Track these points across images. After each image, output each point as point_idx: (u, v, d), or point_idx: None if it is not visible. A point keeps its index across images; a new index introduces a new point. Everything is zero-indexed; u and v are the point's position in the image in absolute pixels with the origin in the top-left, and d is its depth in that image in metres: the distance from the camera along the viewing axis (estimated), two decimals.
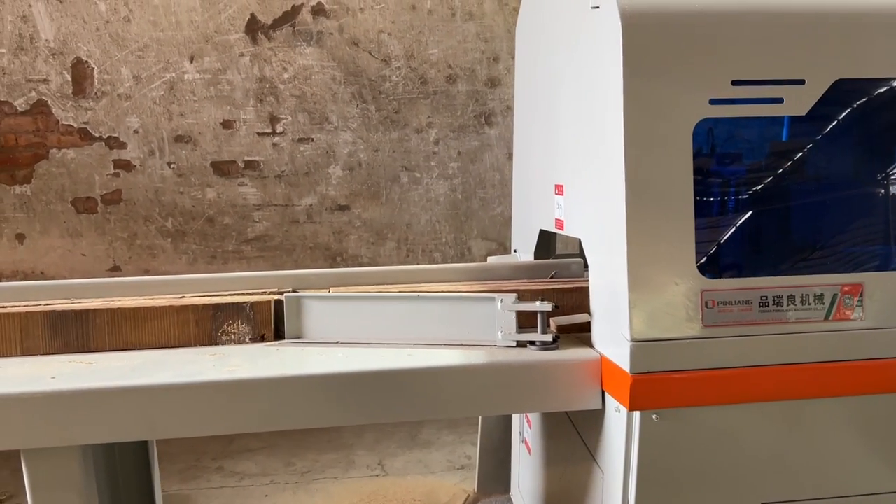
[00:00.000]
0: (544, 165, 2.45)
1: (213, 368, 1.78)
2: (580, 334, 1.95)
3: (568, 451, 2.17)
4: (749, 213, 1.78)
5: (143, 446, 2.32)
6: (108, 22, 4.59)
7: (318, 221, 4.86)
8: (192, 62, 4.66)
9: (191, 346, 1.99)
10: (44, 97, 4.59)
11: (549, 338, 1.85)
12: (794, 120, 1.74)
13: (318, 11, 4.71)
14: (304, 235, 4.86)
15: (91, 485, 1.78)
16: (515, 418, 2.94)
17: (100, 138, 4.65)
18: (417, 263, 4.87)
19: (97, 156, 4.66)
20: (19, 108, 4.58)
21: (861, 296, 1.70)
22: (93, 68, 4.61)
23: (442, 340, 1.96)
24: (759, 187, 1.80)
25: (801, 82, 1.68)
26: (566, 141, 2.16)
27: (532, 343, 1.87)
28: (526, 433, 2.75)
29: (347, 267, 4.81)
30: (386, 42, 4.78)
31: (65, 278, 4.51)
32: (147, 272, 4.68)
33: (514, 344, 1.89)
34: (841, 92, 1.71)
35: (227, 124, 4.73)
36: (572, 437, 2.09)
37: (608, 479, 1.81)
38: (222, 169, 4.76)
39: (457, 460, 3.90)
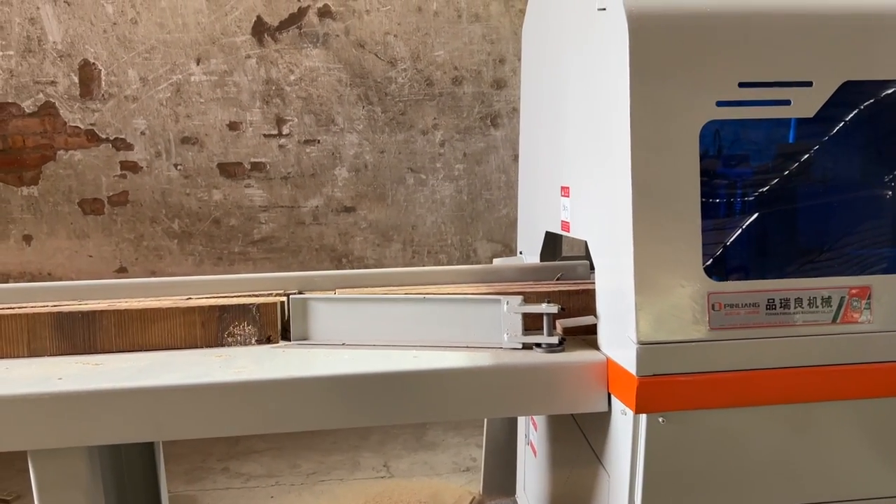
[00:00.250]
0: (550, 167, 2.45)
1: (219, 370, 1.78)
2: (586, 336, 1.94)
3: (574, 454, 2.17)
4: (756, 216, 1.77)
5: (149, 447, 2.32)
6: (115, 24, 4.60)
7: (324, 223, 4.87)
8: (198, 64, 4.67)
9: (197, 347, 1.99)
10: (51, 99, 4.61)
11: (555, 340, 1.85)
12: (802, 122, 1.73)
13: (324, 13, 4.72)
14: (309, 237, 4.86)
15: (97, 486, 1.78)
16: (521, 420, 2.94)
17: (107, 140, 4.67)
18: (423, 265, 4.88)
19: (104, 157, 4.68)
20: (27, 110, 4.60)
21: (869, 298, 1.69)
22: (100, 70, 4.62)
23: (447, 342, 1.96)
24: (766, 189, 1.79)
25: (809, 84, 1.68)
26: (572, 143, 2.16)
27: (538, 345, 1.87)
28: (531, 435, 2.75)
29: (353, 268, 4.81)
30: (392, 44, 4.78)
31: (72, 279, 4.53)
32: (153, 273, 4.70)
33: (520, 346, 1.89)
34: (849, 94, 1.71)
35: (233, 126, 4.74)
36: (578, 439, 2.09)
37: (614, 482, 1.81)
38: (228, 170, 4.77)
39: (462, 462, 3.90)
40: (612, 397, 1.78)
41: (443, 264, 4.88)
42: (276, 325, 2.04)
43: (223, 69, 4.69)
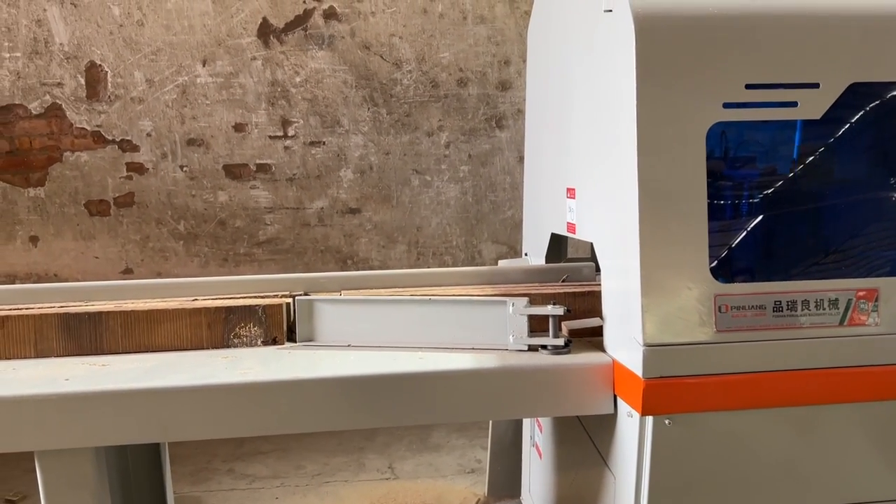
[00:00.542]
0: (556, 169, 2.45)
1: (225, 371, 1.78)
2: (592, 338, 1.94)
3: (579, 456, 2.16)
4: (762, 217, 1.77)
5: (155, 448, 2.33)
6: (121, 26, 4.62)
7: (330, 224, 4.87)
8: (204, 66, 4.68)
9: (203, 348, 1.99)
10: (58, 100, 4.63)
11: (560, 342, 1.85)
12: (809, 123, 1.73)
13: (329, 15, 4.73)
14: (315, 238, 4.87)
15: (104, 486, 1.78)
16: (526, 422, 2.93)
17: (113, 141, 4.68)
18: (428, 267, 4.88)
19: (110, 159, 4.69)
20: (34, 112, 4.62)
21: (876, 301, 1.68)
22: (106, 72, 4.64)
23: (453, 344, 1.96)
24: (772, 191, 1.79)
25: (816, 86, 1.67)
26: (578, 144, 2.15)
27: (544, 347, 1.86)
28: (537, 437, 2.74)
29: (358, 270, 4.82)
30: (397, 45, 4.79)
31: (78, 280, 4.54)
32: (159, 275, 4.71)
33: (526, 348, 1.89)
34: (856, 95, 1.70)
35: (239, 128, 4.75)
36: (584, 441, 2.09)
37: (620, 485, 1.80)
38: (234, 172, 4.78)
39: (467, 464, 3.90)
40: (619, 399, 1.78)
41: (448, 266, 4.88)
42: (281, 327, 2.04)
43: (229, 71, 4.70)
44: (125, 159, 4.70)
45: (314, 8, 4.72)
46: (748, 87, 1.65)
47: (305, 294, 2.14)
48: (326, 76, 4.77)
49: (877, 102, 1.77)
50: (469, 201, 4.95)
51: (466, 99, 4.87)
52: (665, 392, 1.62)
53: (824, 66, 1.68)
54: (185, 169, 4.74)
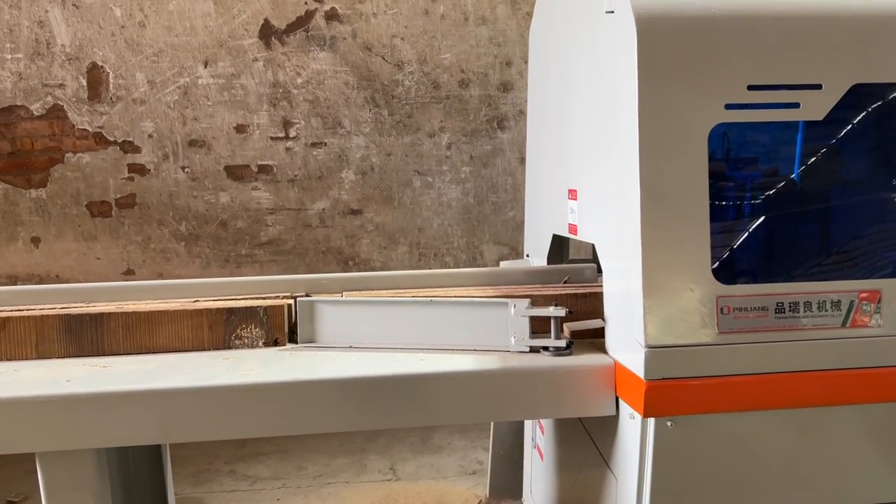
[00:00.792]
0: (557, 170, 2.45)
1: (226, 372, 1.78)
2: (594, 340, 1.94)
3: (581, 458, 2.16)
4: (765, 218, 1.76)
5: (156, 449, 2.33)
6: (123, 27, 4.62)
7: (331, 225, 4.87)
8: (206, 67, 4.69)
9: (204, 349, 1.99)
10: (60, 102, 4.63)
11: (562, 343, 1.84)
12: (811, 125, 1.72)
13: (331, 16, 4.73)
14: (316, 239, 4.87)
15: (105, 488, 1.78)
16: (528, 424, 2.93)
17: (114, 142, 4.69)
18: (429, 268, 4.87)
19: (112, 160, 4.69)
20: (35, 113, 4.62)
21: (879, 302, 1.68)
22: (108, 73, 4.64)
23: (454, 345, 1.95)
24: (774, 192, 1.78)
25: (818, 87, 1.67)
26: (580, 145, 2.15)
27: (545, 348, 1.86)
28: (538, 439, 2.74)
29: (360, 271, 4.82)
30: (399, 47, 4.79)
31: (79, 282, 4.54)
32: (161, 276, 4.71)
33: (528, 349, 1.89)
34: (858, 97, 1.70)
35: (240, 129, 4.75)
36: (585, 443, 2.08)
37: (622, 487, 1.80)
38: (236, 173, 4.78)
39: (468, 465, 3.89)
40: (620, 401, 1.77)
41: (449, 267, 4.88)
42: (283, 328, 2.04)
43: (230, 72, 4.70)
44: (127, 160, 4.70)
45: (316, 9, 4.72)
46: (750, 88, 1.65)
47: (307, 295, 2.13)
48: (328, 77, 4.77)
49: (879, 103, 1.77)
50: (471, 202, 4.95)
51: (468, 100, 4.87)
52: (667, 394, 1.62)
53: (826, 68, 1.67)
54: (186, 170, 4.74)
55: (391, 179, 4.88)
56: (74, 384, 1.71)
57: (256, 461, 4.02)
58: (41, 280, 4.68)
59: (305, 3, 4.71)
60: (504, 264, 3.01)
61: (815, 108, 1.67)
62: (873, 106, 1.77)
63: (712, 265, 1.63)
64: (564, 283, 2.33)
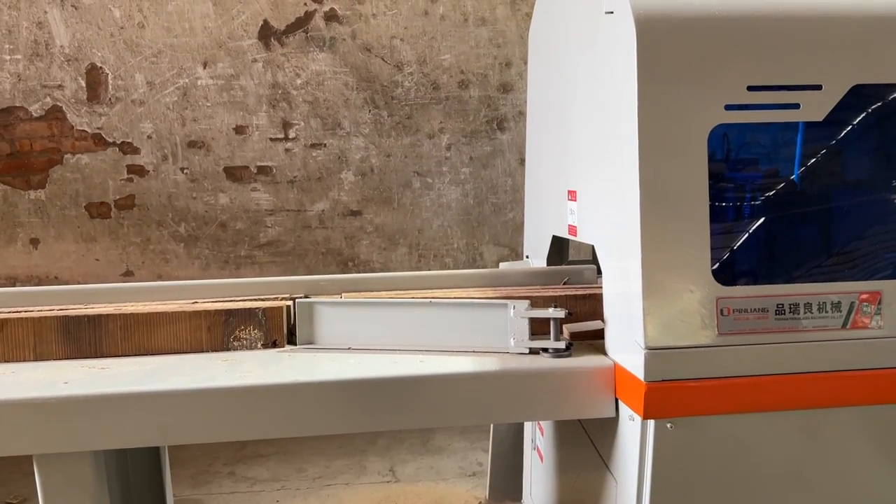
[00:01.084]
0: (557, 171, 2.44)
1: (225, 374, 1.78)
2: (593, 341, 1.94)
3: (581, 460, 2.16)
4: (765, 220, 1.76)
5: (155, 451, 2.32)
6: (122, 28, 4.62)
7: (331, 227, 4.86)
8: (205, 68, 4.68)
9: (203, 351, 1.99)
10: (58, 103, 4.63)
11: (562, 345, 1.84)
12: (811, 125, 1.72)
13: (330, 17, 4.73)
14: (316, 241, 4.86)
15: (103, 490, 1.78)
16: (528, 425, 2.93)
17: (114, 144, 4.68)
18: (429, 269, 4.87)
19: (111, 161, 4.69)
20: (34, 114, 4.62)
21: (879, 303, 1.68)
22: (107, 74, 4.64)
23: (454, 347, 1.95)
24: (774, 193, 1.78)
25: (818, 88, 1.67)
26: (579, 146, 2.15)
27: (545, 350, 1.86)
28: (538, 440, 2.74)
29: (359, 272, 4.81)
30: (398, 48, 4.79)
31: (78, 283, 4.54)
32: (160, 277, 4.70)
33: (527, 351, 1.88)
34: (858, 97, 1.70)
35: (239, 130, 4.75)
36: (585, 445, 2.08)
37: (622, 488, 1.79)
38: (235, 174, 4.78)
39: (468, 467, 3.89)
40: (620, 403, 1.77)
41: (449, 268, 4.87)
42: (282, 330, 2.03)
43: (230, 73, 4.70)
44: (126, 161, 4.70)
45: (315, 10, 4.71)
46: (750, 88, 1.65)
47: (306, 296, 2.13)
48: (327, 78, 4.76)
49: (879, 104, 1.76)
50: (470, 203, 4.95)
51: (468, 101, 4.87)
52: (667, 395, 1.62)
53: (827, 68, 1.67)
54: (185, 171, 4.73)
55: (391, 180, 4.88)
56: (72, 386, 1.70)
57: (256, 463, 4.01)
58: (40, 281, 4.68)
59: (305, 3, 4.71)
60: (504, 265, 3.01)
61: (815, 108, 1.67)
62: (873, 107, 1.77)
63: (712, 266, 1.63)
64: (564, 284, 2.33)
